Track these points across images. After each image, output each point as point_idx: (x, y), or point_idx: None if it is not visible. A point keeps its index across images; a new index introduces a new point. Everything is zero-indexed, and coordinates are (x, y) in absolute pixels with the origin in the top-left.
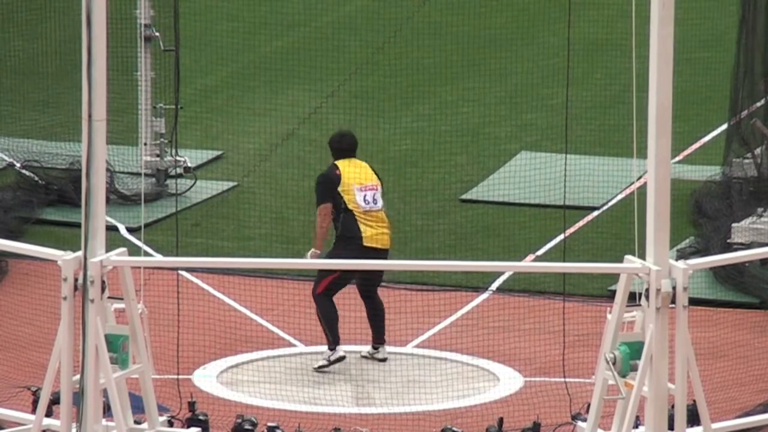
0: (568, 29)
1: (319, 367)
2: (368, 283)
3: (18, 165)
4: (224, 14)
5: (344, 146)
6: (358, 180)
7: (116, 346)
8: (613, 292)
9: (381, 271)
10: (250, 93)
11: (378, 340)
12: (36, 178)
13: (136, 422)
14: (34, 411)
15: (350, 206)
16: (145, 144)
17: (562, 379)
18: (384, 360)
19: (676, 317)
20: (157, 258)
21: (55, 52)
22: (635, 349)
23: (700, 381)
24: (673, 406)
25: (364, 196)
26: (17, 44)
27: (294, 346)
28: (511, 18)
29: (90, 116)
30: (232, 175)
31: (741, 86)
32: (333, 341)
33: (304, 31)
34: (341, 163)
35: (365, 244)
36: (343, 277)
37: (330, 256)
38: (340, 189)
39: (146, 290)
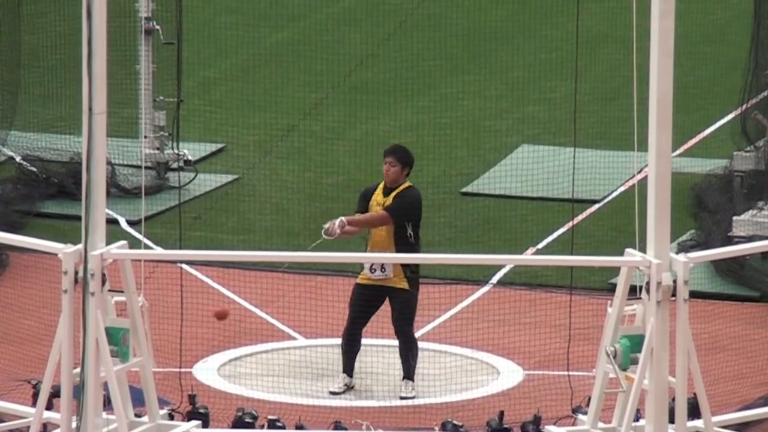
0: (576, 20)
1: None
2: (394, 318)
3: (18, 158)
4: (225, 7)
5: (413, 163)
6: None
7: (117, 339)
8: (614, 286)
9: (401, 304)
10: (251, 86)
11: (405, 374)
12: (36, 172)
13: (137, 415)
14: (34, 404)
15: (418, 237)
16: (146, 137)
17: (564, 373)
18: (406, 398)
19: (677, 310)
20: (158, 251)
21: (56, 45)
22: (636, 343)
23: (700, 374)
24: (673, 399)
25: None
26: (17, 37)
27: (294, 339)
28: (511, 11)
29: (90, 109)
30: (233, 168)
31: (751, 78)
32: (344, 369)
33: (304, 24)
34: None
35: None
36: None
37: (411, 299)
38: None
39: (147, 283)
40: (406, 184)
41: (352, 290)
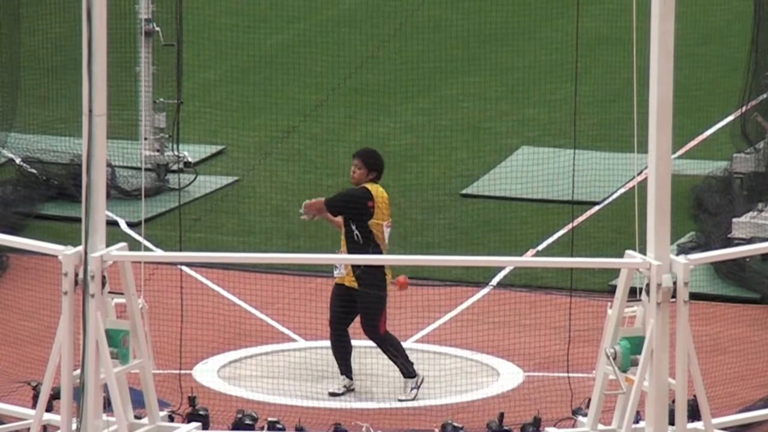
0: (576, 22)
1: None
2: (362, 322)
3: (18, 160)
4: (224, 9)
5: (380, 167)
6: (386, 216)
7: (117, 341)
8: (614, 287)
9: (361, 309)
10: (251, 87)
11: (402, 374)
12: (36, 173)
13: (137, 417)
14: (34, 406)
15: (378, 241)
16: (146, 139)
17: (564, 374)
18: (406, 399)
19: (677, 312)
20: (158, 253)
21: (56, 47)
22: (636, 344)
23: (700, 376)
24: (673, 401)
25: (389, 233)
26: (17, 38)
27: (294, 341)
28: (511, 13)
29: (90, 111)
30: (233, 170)
31: (751, 80)
32: (343, 372)
33: (304, 26)
34: (374, 191)
35: (387, 290)
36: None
37: (369, 301)
38: (370, 223)
39: (147, 285)
40: (363, 185)
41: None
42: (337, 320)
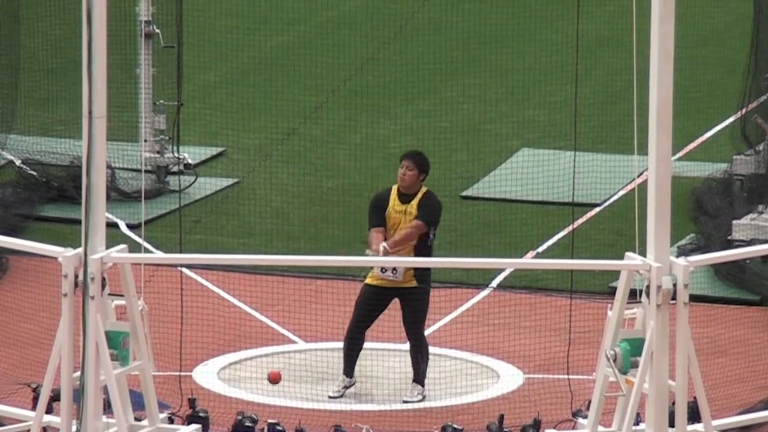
0: (577, 24)
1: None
2: (405, 318)
3: (18, 162)
4: (225, 11)
5: (429, 169)
6: None
7: (117, 342)
8: (614, 289)
9: (411, 305)
10: (251, 89)
11: (414, 378)
12: (36, 175)
13: (137, 419)
14: (34, 408)
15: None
16: (146, 140)
17: (564, 376)
18: (411, 401)
19: (677, 314)
20: (158, 255)
21: (56, 49)
22: (636, 346)
23: (700, 378)
24: (673, 403)
25: None
26: (17, 40)
27: (294, 342)
28: (511, 15)
29: (90, 113)
30: (233, 172)
31: (750, 81)
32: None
33: (304, 28)
34: None
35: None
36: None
37: (422, 299)
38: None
39: (147, 287)
40: (424, 189)
41: (360, 290)
42: (362, 319)
